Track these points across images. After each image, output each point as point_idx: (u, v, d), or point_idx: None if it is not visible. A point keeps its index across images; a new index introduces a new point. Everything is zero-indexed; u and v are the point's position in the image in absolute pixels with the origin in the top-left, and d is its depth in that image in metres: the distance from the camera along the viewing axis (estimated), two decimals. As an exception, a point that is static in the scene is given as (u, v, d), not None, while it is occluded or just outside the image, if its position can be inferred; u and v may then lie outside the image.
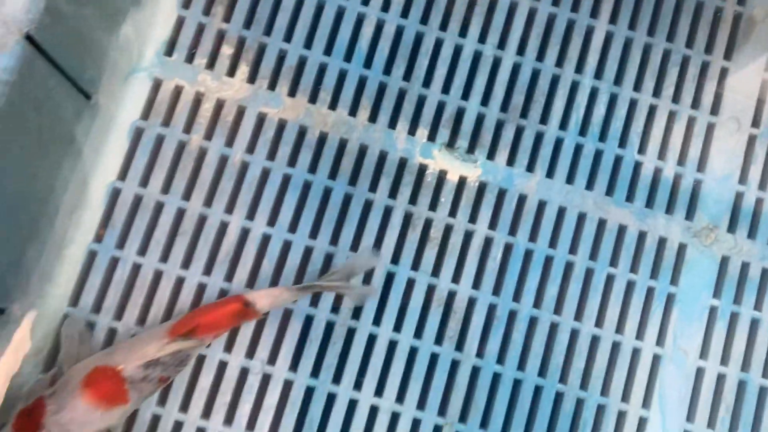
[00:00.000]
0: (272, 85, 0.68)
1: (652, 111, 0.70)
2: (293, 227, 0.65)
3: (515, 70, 0.70)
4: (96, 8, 0.57)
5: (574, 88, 0.70)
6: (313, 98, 0.68)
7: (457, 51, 0.69)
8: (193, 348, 0.57)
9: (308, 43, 0.68)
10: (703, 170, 0.69)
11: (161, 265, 0.63)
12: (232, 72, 0.67)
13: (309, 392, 0.63)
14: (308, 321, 0.64)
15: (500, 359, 0.65)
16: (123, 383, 0.54)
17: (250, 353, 0.63)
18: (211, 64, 0.67)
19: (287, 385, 0.63)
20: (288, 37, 0.68)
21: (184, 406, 0.62)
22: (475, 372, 0.64)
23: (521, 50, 0.70)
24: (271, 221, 0.65)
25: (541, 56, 0.70)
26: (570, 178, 0.68)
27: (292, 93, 0.68)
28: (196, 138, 0.66)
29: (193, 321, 0.57)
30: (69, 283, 0.62)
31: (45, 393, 0.53)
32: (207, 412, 0.62)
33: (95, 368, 0.54)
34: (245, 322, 0.61)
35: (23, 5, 0.46)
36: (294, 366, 0.63)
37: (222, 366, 0.62)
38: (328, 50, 0.68)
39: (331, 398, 0.63)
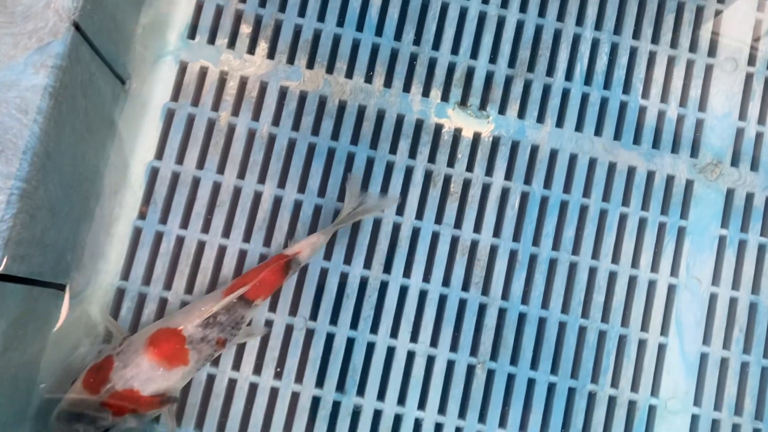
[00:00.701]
0: (291, 60, 0.71)
1: (652, 57, 0.73)
2: (322, 192, 0.70)
3: (519, 27, 0.73)
4: (123, -4, 0.61)
5: (576, 40, 0.73)
6: (330, 69, 0.72)
7: (463, 13, 0.73)
8: (246, 309, 0.62)
9: (321, 17, 0.72)
10: (705, 110, 0.73)
11: (203, 235, 0.68)
12: (252, 50, 0.71)
13: (350, 343, 0.67)
14: (344, 278, 0.68)
15: (524, 300, 0.69)
16: (183, 343, 0.59)
17: (293, 311, 0.67)
18: (231, 44, 0.71)
19: (329, 338, 0.67)
20: (302, 12, 0.72)
21: (236, 365, 0.66)
22: (501, 313, 0.69)
23: (523, 8, 0.73)
24: (301, 188, 0.70)
25: (542, 12, 0.73)
26: (579, 126, 0.72)
27: (310, 65, 0.71)
28: (224, 115, 0.70)
29: (243, 282, 0.62)
30: (119, 259, 0.66)
31: (114, 351, 0.58)
32: (258, 369, 0.66)
33: (158, 329, 0.59)
34: (291, 275, 0.65)
35: (69, -5, 0.49)
36: (334, 320, 0.67)
37: (268, 324, 0.67)
38: (340, 22, 0.72)
39: (370, 347, 0.67)
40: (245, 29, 0.71)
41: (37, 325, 0.58)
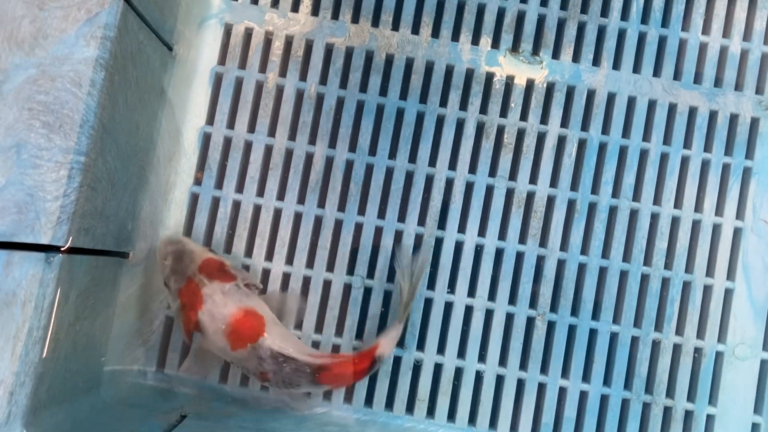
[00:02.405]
0: (335, 15, 0.70)
1: (713, -11, 0.70)
2: (372, 150, 0.69)
3: (570, -34, 0.70)
4: (166, -39, 0.61)
5: (631, -24, 0.70)
6: (375, 22, 0.70)
7: (511, -44, 0.70)
8: (310, 384, 0.60)
9: (364, -31, 0.70)
10: (771, 42, 0.69)
11: (258, 199, 0.68)
12: (296, 7, 0.70)
13: (408, 299, 0.67)
14: (398, 236, 0.68)
15: (584, 250, 0.68)
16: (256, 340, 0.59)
17: (351, 270, 0.68)
18: (275, 3, 0.70)
19: (387, 295, 0.67)
20: (344, -34, 0.70)
21: (298, 324, 0.67)
22: (560, 264, 0.68)
23: (574, -54, 0.70)
24: (352, 147, 0.69)
25: (595, -51, 0.70)
26: (636, 68, 0.69)
27: (355, 20, 0.70)
28: (271, 76, 0.69)
29: (333, 361, 0.60)
30: (178, 225, 0.67)
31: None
32: (319, 328, 0.67)
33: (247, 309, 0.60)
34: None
35: (112, -36, 0.49)
36: (390, 277, 0.67)
37: (326, 285, 0.67)
38: (384, -27, 0.70)
39: (428, 303, 0.67)
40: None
41: (104, 293, 0.60)
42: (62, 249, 0.49)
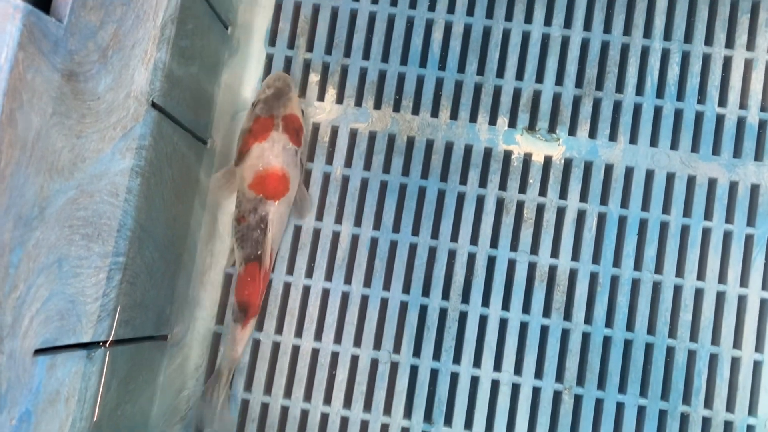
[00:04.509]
0: (359, 102, 0.74)
1: (727, 62, 0.71)
2: (396, 227, 0.72)
3: (584, 45, 0.72)
4: (200, 64, 0.66)
5: (645, 52, 0.72)
6: (396, 107, 0.73)
7: (525, 37, 0.73)
8: (251, 251, 0.68)
9: (385, 57, 0.74)
10: (789, 112, 0.69)
11: (288, 277, 0.72)
12: (321, 96, 0.74)
13: (434, 374, 0.69)
14: (423, 310, 0.70)
15: (608, 323, 0.69)
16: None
17: (377, 345, 0.70)
18: (302, 93, 0.74)
19: (413, 370, 0.69)
20: (366, 55, 0.74)
21: (327, 399, 0.70)
22: (585, 338, 0.69)
23: (587, 25, 0.72)
24: (376, 225, 0.72)
25: (608, 28, 0.72)
26: (653, 141, 0.71)
27: (377, 105, 0.74)
28: (299, 161, 0.73)
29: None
30: (213, 305, 0.71)
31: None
32: (348, 402, 0.69)
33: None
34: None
35: (147, 78, 0.54)
36: (417, 352, 0.70)
37: (354, 360, 0.70)
38: (404, 60, 0.74)
39: (454, 378, 0.69)
40: (314, 77, 0.74)
41: (145, 377, 0.63)
42: (103, 343, 0.53)
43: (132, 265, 0.55)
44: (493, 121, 0.72)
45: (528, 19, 0.73)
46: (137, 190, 0.54)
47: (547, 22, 0.73)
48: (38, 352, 0.44)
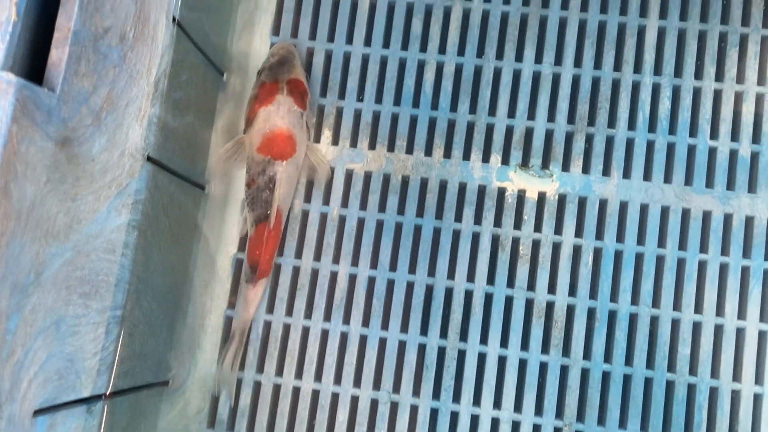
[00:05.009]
0: (354, 143, 0.75)
1: (717, 95, 0.71)
2: (393, 266, 0.72)
3: (575, 82, 0.73)
4: (195, 113, 0.67)
5: (636, 88, 0.72)
6: (391, 147, 0.74)
7: (516, 75, 0.74)
8: (260, 212, 0.70)
9: (378, 98, 0.75)
10: (781, 143, 0.70)
11: (287, 318, 0.72)
12: (317, 138, 0.75)
13: (434, 414, 0.69)
14: (422, 349, 0.70)
15: (607, 358, 0.69)
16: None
17: (377, 385, 0.70)
18: (297, 134, 0.75)
19: (413, 410, 0.70)
20: (360, 97, 0.75)
21: (328, 440, 0.70)
22: (584, 373, 0.69)
23: (578, 62, 0.73)
24: (373, 264, 0.73)
25: (598, 64, 0.73)
26: (647, 175, 0.71)
27: (372, 146, 0.74)
28: (297, 203, 0.74)
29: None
30: (214, 348, 0.72)
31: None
32: (348, 442, 0.70)
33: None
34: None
35: (141, 134, 0.55)
36: (416, 392, 0.70)
37: (354, 401, 0.70)
38: (397, 101, 0.75)
39: (454, 417, 0.69)
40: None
41: (146, 423, 0.64)
42: (103, 396, 0.53)
43: (130, 317, 0.56)
44: (486, 158, 0.73)
45: (518, 57, 0.74)
46: (134, 244, 0.55)
47: (538, 59, 0.74)
48: (38, 412, 0.45)
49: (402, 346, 0.71)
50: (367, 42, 0.76)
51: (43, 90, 0.41)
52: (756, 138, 0.70)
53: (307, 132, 0.72)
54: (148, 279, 0.59)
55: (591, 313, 0.70)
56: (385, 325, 0.71)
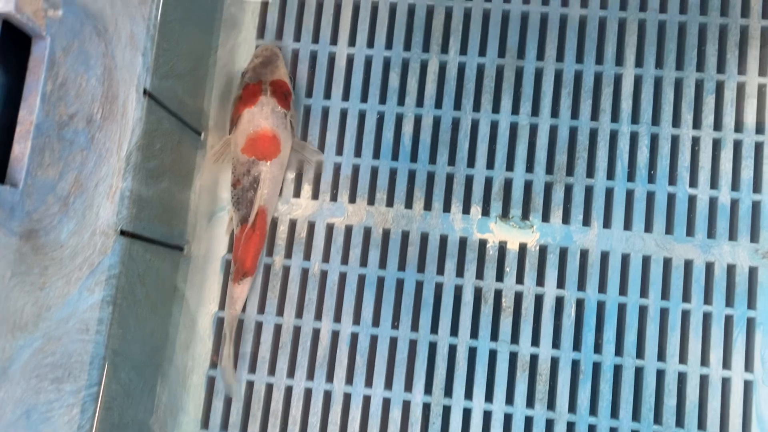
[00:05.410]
0: (334, 197, 0.75)
1: (696, 143, 0.71)
2: (376, 321, 0.72)
3: (553, 132, 0.73)
4: (171, 177, 0.66)
5: (613, 136, 0.72)
6: (371, 200, 0.74)
7: (494, 126, 0.74)
8: (243, 210, 0.71)
9: (358, 151, 0.75)
10: (760, 190, 0.70)
11: (270, 378, 0.72)
12: (297, 193, 0.75)
13: (420, 471, 0.69)
14: (406, 407, 0.70)
15: (593, 411, 0.68)
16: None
17: (361, 444, 0.70)
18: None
19: (399, 468, 0.69)
20: (339, 150, 0.75)
21: (314, 500, 0.69)
22: (570, 427, 0.68)
23: (555, 112, 0.73)
24: (356, 320, 0.72)
25: (575, 113, 0.73)
26: (627, 224, 0.71)
27: (352, 199, 0.74)
28: (278, 259, 0.74)
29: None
30: (197, 409, 0.71)
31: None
32: (334, 503, 0.69)
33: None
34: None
35: (113, 210, 0.55)
36: (402, 449, 0.69)
37: (339, 460, 0.70)
38: (376, 154, 0.75)
39: (441, 473, 0.69)
40: (289, 174, 0.75)
41: (127, 494, 0.63)
42: (78, 475, 0.53)
43: (108, 391, 0.56)
44: (466, 210, 0.73)
45: (495, 108, 0.74)
46: (109, 318, 0.54)
47: (515, 110, 0.74)
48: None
49: (386, 403, 0.70)
50: (345, 96, 0.76)
51: (5, 188, 0.41)
52: (735, 185, 0.70)
53: (292, 131, 0.73)
54: (125, 351, 0.58)
55: (575, 366, 0.69)
56: (368, 383, 0.71)
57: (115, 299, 0.55)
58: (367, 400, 0.70)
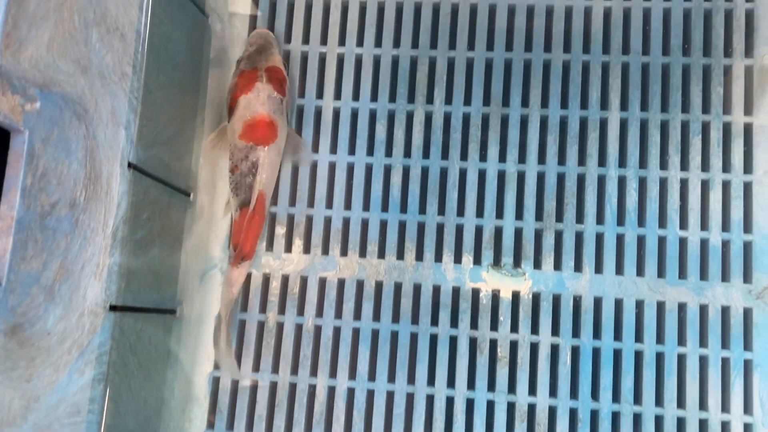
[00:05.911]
0: (325, 250, 0.75)
1: (684, 184, 0.71)
2: (372, 375, 0.72)
3: (540, 178, 0.73)
4: (161, 243, 0.67)
5: (601, 181, 0.72)
6: (362, 252, 0.74)
7: (482, 174, 0.74)
8: (243, 197, 0.71)
9: (347, 204, 0.75)
10: (750, 230, 0.69)
11: (267, 437, 0.71)
12: (288, 248, 0.75)
13: None
14: (405, 460, 0.70)
15: (592, 459, 0.68)
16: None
17: (361, 501, 0.69)
18: (270, 246, 0.75)
19: None
20: (329, 204, 0.75)
21: None
22: (571, 477, 0.68)
23: (542, 158, 0.73)
24: (352, 374, 0.72)
25: (562, 159, 0.73)
26: (619, 269, 0.71)
27: (344, 252, 0.74)
28: (271, 315, 0.74)
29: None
30: (195, 471, 0.71)
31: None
32: None
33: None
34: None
35: (101, 288, 0.55)
36: (402, 505, 0.69)
37: None
38: (366, 206, 0.75)
39: None
40: (279, 230, 0.75)
41: None
42: None
43: (101, 469, 0.55)
44: (458, 259, 0.73)
45: (483, 156, 0.74)
46: (101, 396, 0.54)
47: (502, 158, 0.74)
48: None
49: (385, 458, 0.70)
50: (333, 149, 0.76)
51: (-13, 288, 0.41)
52: (725, 226, 0.70)
53: (287, 118, 0.73)
54: (119, 424, 0.58)
55: (573, 414, 0.69)
56: (366, 438, 0.70)
57: (107, 375, 0.55)
58: (365, 456, 0.70)
